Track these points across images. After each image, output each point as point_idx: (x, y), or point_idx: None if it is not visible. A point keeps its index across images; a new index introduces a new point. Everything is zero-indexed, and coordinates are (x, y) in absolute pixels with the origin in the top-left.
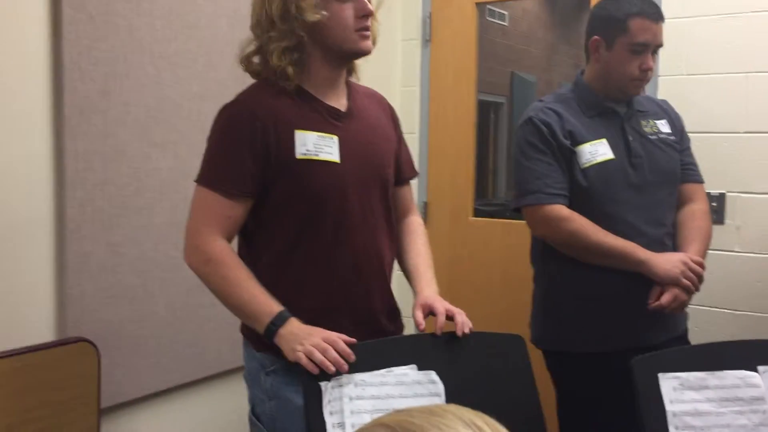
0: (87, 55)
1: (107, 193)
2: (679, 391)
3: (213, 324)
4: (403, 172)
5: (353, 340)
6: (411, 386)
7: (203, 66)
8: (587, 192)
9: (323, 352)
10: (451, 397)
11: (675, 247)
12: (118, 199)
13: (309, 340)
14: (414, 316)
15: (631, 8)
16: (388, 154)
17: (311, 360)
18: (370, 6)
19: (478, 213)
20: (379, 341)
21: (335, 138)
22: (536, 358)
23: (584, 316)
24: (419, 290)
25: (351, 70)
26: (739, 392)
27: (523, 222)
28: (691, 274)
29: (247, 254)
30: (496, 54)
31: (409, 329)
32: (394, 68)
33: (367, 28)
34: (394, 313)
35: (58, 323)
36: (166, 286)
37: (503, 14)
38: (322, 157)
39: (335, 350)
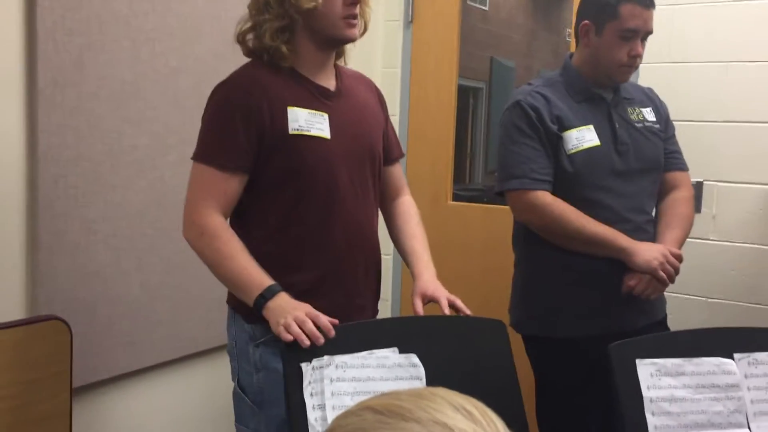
0: (62, 25)
1: (82, 169)
2: (656, 377)
3: (188, 304)
4: (392, 152)
5: (336, 321)
6: (392, 369)
7: (181, 41)
8: (572, 178)
9: (301, 324)
10: (432, 380)
11: (655, 233)
12: (93, 175)
13: (292, 314)
14: (414, 305)
15: None
16: (376, 131)
17: (289, 333)
18: None
19: (455, 198)
20: (361, 323)
21: (325, 115)
22: (516, 343)
23: (564, 300)
24: (418, 273)
25: (340, 54)
26: (716, 379)
27: (503, 207)
28: (669, 267)
29: (239, 230)
30: (475, 39)
31: (384, 312)
32: (375, 49)
33: (354, 16)
34: (378, 291)
35: (30, 301)
36: (141, 265)
37: None
38: (314, 132)
39: (315, 324)
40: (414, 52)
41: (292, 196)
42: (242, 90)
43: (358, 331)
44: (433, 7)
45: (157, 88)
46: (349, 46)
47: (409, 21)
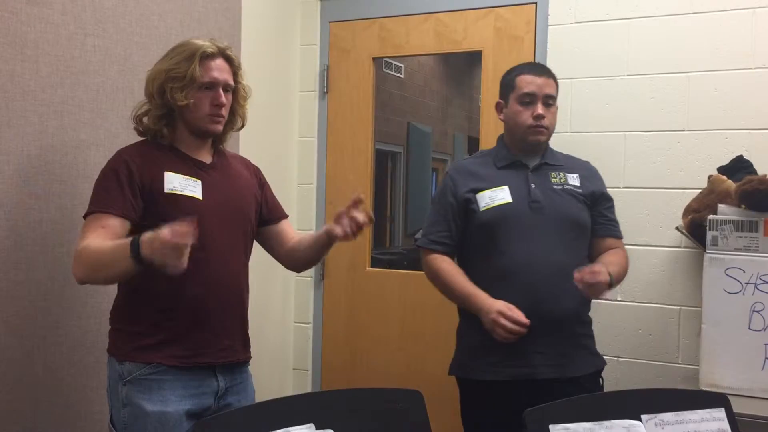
0: None
1: None
2: None
3: None
4: (276, 212)
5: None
6: None
7: (90, 113)
8: (486, 230)
9: (167, 239)
10: None
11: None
12: None
13: (159, 236)
14: (331, 229)
15: (518, 70)
16: (248, 197)
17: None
18: (222, 99)
19: (375, 262)
20: (276, 400)
21: (199, 181)
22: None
23: (483, 346)
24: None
25: (222, 140)
26: None
27: (419, 272)
28: (505, 322)
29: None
30: (392, 105)
31: (304, 381)
32: (291, 119)
33: (218, 115)
34: (246, 340)
35: None
36: (45, 345)
37: (399, 66)
38: (187, 193)
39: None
40: (330, 120)
41: None
42: (128, 159)
43: (273, 408)
44: (348, 79)
45: (66, 161)
46: (265, 117)
47: (325, 92)
